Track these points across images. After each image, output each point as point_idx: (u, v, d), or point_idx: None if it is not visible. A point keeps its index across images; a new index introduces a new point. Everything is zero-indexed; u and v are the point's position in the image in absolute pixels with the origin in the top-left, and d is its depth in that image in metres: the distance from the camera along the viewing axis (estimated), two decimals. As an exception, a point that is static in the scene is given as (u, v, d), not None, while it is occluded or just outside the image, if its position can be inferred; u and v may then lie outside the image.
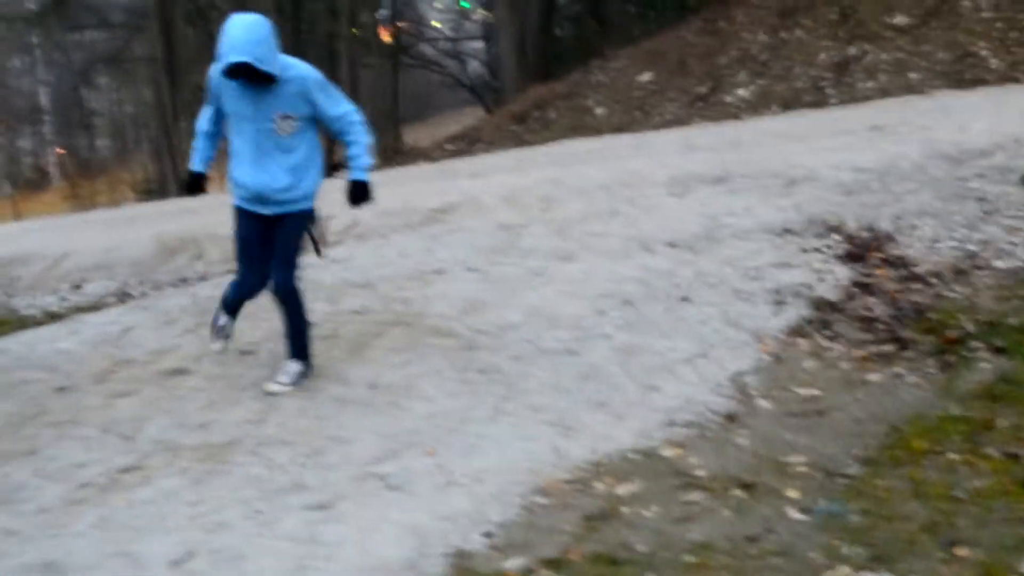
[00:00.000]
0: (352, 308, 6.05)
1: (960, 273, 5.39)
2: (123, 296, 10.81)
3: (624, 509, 3.72)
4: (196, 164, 4.82)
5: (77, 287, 11.62)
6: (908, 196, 6.24)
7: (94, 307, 10.35)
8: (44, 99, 33.81)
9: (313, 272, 7.08)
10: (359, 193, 4.76)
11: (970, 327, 4.79)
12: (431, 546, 3.57)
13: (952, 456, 3.69)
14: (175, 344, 5.86)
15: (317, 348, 5.37)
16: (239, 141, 4.61)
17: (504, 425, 4.40)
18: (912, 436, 3.89)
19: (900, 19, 12.86)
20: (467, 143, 16.99)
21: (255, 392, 5.01)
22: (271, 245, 4.73)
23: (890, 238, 5.95)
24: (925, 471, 3.63)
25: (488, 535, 3.64)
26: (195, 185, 4.88)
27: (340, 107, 4.62)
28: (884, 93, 12.08)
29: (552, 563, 3.44)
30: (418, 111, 32.60)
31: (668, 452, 4.12)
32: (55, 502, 4.11)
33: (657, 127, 14.08)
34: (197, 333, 6.02)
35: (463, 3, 30.33)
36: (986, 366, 4.39)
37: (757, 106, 13.22)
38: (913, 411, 4.16)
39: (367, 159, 4.72)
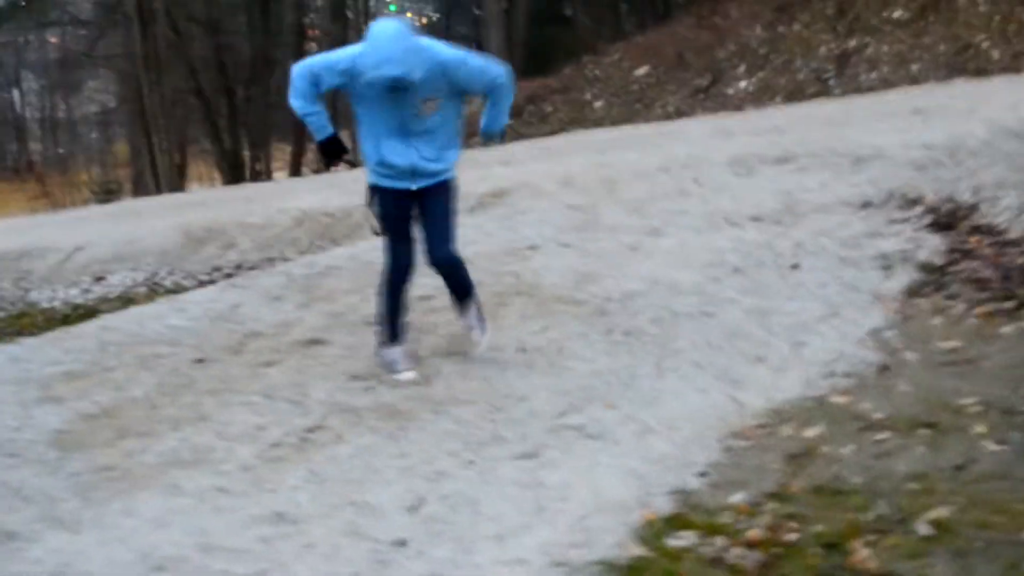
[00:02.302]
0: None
1: (1055, 238, 5.72)
2: (154, 286, 10.88)
3: (823, 448, 3.96)
4: (327, 128, 4.77)
5: (100, 279, 11.66)
6: (983, 170, 6.55)
7: (123, 298, 10.44)
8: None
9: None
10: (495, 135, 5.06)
11: (1085, 284, 5.11)
12: (653, 486, 3.77)
13: None
14: (296, 317, 6.01)
15: (446, 318, 5.56)
16: (380, 124, 4.65)
17: (672, 380, 4.62)
18: (1078, 376, 4.18)
19: (898, 13, 13.31)
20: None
21: (400, 359, 5.17)
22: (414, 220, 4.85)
23: (974, 208, 6.25)
24: (1107, 404, 3.91)
25: (702, 475, 3.85)
26: (336, 146, 4.84)
27: (484, 79, 4.72)
28: (887, 84, 12.50)
29: (776, 496, 3.65)
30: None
31: (837, 399, 4.37)
32: (254, 461, 4.25)
33: (659, 119, 14.41)
34: (311, 308, 6.18)
35: (391, 7, 30.55)
36: (1118, 317, 4.71)
37: (760, 98, 13.59)
38: (1064, 356, 4.45)
39: (504, 117, 4.95)
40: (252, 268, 9.66)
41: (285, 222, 10.72)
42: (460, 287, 5.00)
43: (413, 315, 5.81)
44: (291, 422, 4.58)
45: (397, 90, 4.44)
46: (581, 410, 4.40)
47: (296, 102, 4.71)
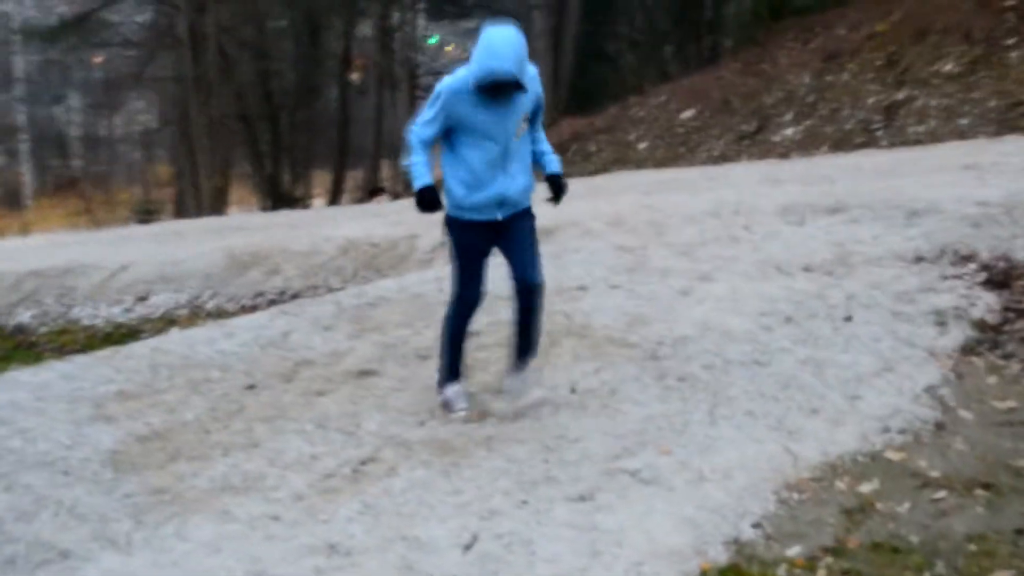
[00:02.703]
0: (508, 319, 6.22)
1: (1110, 301, 5.68)
2: (196, 309, 10.95)
3: (879, 504, 3.93)
4: (427, 178, 4.71)
5: (142, 299, 11.73)
6: (1039, 229, 6.53)
7: (165, 319, 10.52)
8: (21, 117, 33.68)
9: (437, 285, 7.29)
10: (560, 186, 4.93)
11: None
12: (708, 535, 3.76)
13: None
14: (347, 347, 6.04)
15: (498, 355, 5.58)
16: (478, 151, 4.65)
17: (727, 428, 4.60)
18: None
19: (948, 66, 13.28)
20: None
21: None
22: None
23: (1029, 267, 6.22)
24: None
25: (757, 525, 3.83)
26: (434, 198, 4.74)
27: (540, 121, 4.89)
28: (935, 138, 12.44)
29: (832, 551, 3.64)
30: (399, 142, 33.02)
31: (893, 455, 4.34)
32: (306, 490, 4.28)
33: (703, 163, 14.41)
34: (362, 338, 6.21)
35: (432, 39, 30.78)
36: None
37: (806, 146, 13.57)
38: (1124, 422, 4.41)
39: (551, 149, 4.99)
40: (296, 295, 9.72)
41: (330, 250, 10.76)
42: (536, 319, 4.93)
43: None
44: (344, 453, 4.60)
45: (503, 94, 4.48)
46: (635, 454, 4.40)
47: (410, 158, 4.76)
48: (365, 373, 5.59)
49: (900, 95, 13.31)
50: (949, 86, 12.99)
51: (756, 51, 16.37)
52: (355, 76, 28.63)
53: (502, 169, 4.69)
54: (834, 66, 14.58)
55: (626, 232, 8.23)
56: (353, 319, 6.65)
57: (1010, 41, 12.95)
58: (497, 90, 4.49)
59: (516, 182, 4.74)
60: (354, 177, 28.00)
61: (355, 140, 27.09)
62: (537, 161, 4.93)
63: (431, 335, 6.11)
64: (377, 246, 10.42)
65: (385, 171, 25.43)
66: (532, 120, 4.83)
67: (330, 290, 9.35)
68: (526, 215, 4.87)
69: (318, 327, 6.53)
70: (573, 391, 5.12)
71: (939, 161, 9.46)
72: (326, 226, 12.35)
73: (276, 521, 4.05)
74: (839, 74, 14.44)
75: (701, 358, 5.38)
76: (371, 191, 20.48)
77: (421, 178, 4.74)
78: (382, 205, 16.31)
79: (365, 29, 26.94)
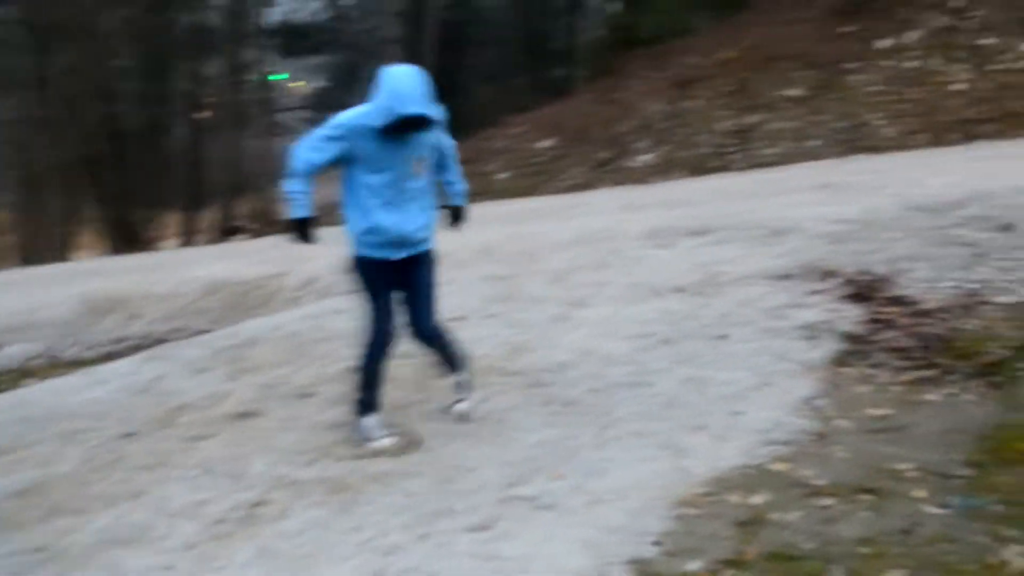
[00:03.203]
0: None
1: (966, 308, 5.97)
2: (52, 358, 10.53)
3: (771, 515, 4.03)
4: (305, 210, 4.69)
5: (-5, 350, 11.23)
6: (896, 244, 6.83)
7: (21, 371, 10.09)
8: None
9: (312, 322, 7.21)
10: (459, 214, 5.21)
11: (1001, 352, 5.33)
12: (609, 556, 3.79)
13: (1059, 455, 4.17)
14: (225, 390, 5.91)
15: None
16: (374, 187, 4.62)
17: (616, 449, 4.66)
18: (1009, 440, 4.35)
19: (794, 91, 13.84)
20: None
21: (336, 431, 5.13)
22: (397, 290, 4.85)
23: (888, 280, 6.50)
24: (1041, 468, 4.09)
25: (657, 543, 3.88)
26: (308, 231, 4.74)
27: (449, 140, 4.91)
28: (786, 159, 12.97)
29: (731, 563, 3.71)
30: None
31: (778, 467, 4.46)
32: (197, 538, 4.16)
33: (563, 191, 14.65)
34: (240, 380, 6.09)
35: (275, 76, 30.61)
36: (1038, 383, 4.93)
37: (663, 170, 13.95)
38: (990, 421, 4.63)
39: (464, 186, 5.15)
40: (160, 340, 9.45)
41: (193, 292, 10.53)
42: (449, 348, 5.07)
43: (344, 386, 5.80)
44: (233, 497, 4.49)
45: (408, 134, 4.49)
46: (529, 481, 4.41)
47: (289, 182, 4.68)
48: (246, 415, 5.47)
49: (751, 119, 13.80)
50: (797, 109, 13.54)
51: (610, 80, 16.74)
52: (204, 115, 28.17)
53: (397, 207, 4.68)
54: (687, 93, 15.03)
55: (496, 261, 8.29)
56: (228, 360, 6.51)
57: (851, 65, 13.58)
58: (400, 130, 4.48)
59: (413, 221, 4.74)
60: (207, 217, 27.43)
61: (207, 179, 26.57)
62: (444, 192, 5.05)
63: (311, 373, 6.06)
64: (243, 285, 10.24)
65: (243, 209, 25.01)
66: (442, 158, 4.89)
67: (196, 333, 9.14)
68: (426, 257, 4.89)
69: (192, 370, 6.37)
70: (464, 421, 5.11)
71: (795, 182, 9.84)
72: (185, 268, 12.08)
73: (169, 571, 3.92)
74: (692, 101, 14.89)
75: (584, 382, 5.45)
76: (228, 230, 20.10)
77: (299, 209, 4.71)
78: (242, 244, 16.03)
79: (213, 68, 26.57)
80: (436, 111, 4.56)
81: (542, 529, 4.00)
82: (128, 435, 5.35)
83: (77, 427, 5.53)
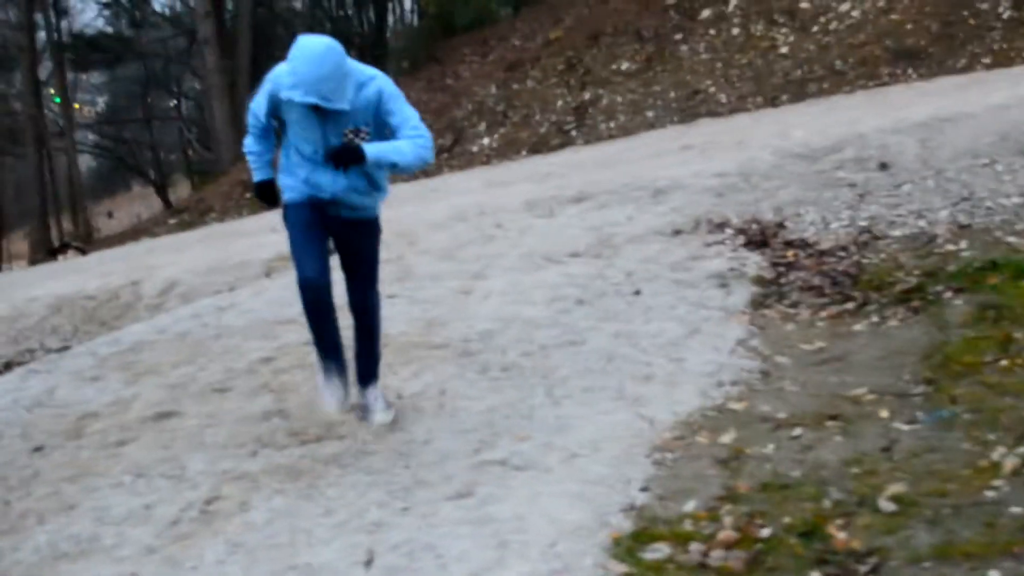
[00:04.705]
0: (298, 341, 5.92)
1: (864, 245, 6.17)
2: None
3: (747, 450, 4.04)
4: (264, 172, 4.52)
5: None
6: (779, 191, 7.00)
7: None
8: None
9: (199, 321, 6.87)
10: (349, 155, 4.19)
11: (911, 280, 5.52)
12: (603, 506, 3.72)
13: (1003, 363, 4.31)
14: (130, 394, 5.53)
15: (303, 377, 5.31)
16: (305, 155, 4.34)
17: (572, 406, 4.59)
18: (954, 356, 4.49)
19: (625, 65, 14.06)
20: (196, 214, 16.55)
21: (268, 421, 4.87)
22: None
23: (780, 226, 6.65)
24: (992, 376, 4.22)
25: (645, 489, 3.83)
26: (271, 193, 4.56)
27: (408, 124, 4.29)
28: (626, 131, 13.16)
29: (727, 499, 3.69)
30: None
31: (736, 405, 4.49)
32: (156, 542, 3.87)
33: (408, 180, 14.45)
34: (141, 383, 5.72)
35: (55, 99, 29.32)
36: (958, 303, 5.10)
37: (505, 152, 13.95)
38: (926, 342, 4.77)
39: (392, 156, 4.23)
40: (9, 363, 8.84)
41: (38, 310, 9.86)
42: (369, 340, 4.67)
43: (260, 378, 5.52)
44: (180, 497, 4.19)
45: (321, 113, 4.15)
46: (494, 446, 4.29)
47: (245, 140, 4.54)
48: (163, 415, 5.12)
49: (586, 95, 13.95)
50: (630, 83, 13.76)
51: (437, 68, 16.64)
52: None
53: (321, 166, 4.32)
54: (517, 75, 15.08)
55: (377, 245, 8.07)
56: (119, 366, 6.10)
57: (678, 36, 13.90)
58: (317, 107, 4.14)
59: (353, 182, 4.37)
60: (18, 241, 25.94)
61: (16, 202, 25.12)
62: None
63: (219, 369, 5.75)
64: (94, 298, 9.67)
65: (65, 226, 23.72)
66: (384, 122, 4.30)
67: (48, 352, 8.60)
68: (365, 225, 4.53)
69: (83, 379, 5.94)
70: (399, 397, 4.93)
71: (653, 148, 9.98)
72: (19, 288, 11.35)
73: (135, 579, 3.62)
74: (524, 82, 14.94)
75: (515, 347, 5.35)
76: (56, 248, 19.03)
77: (257, 172, 4.59)
78: (74, 261, 15.22)
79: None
80: (337, 95, 4.09)
81: (525, 489, 3.88)
82: (37, 449, 4.93)
83: (-27, 448, 5.07)
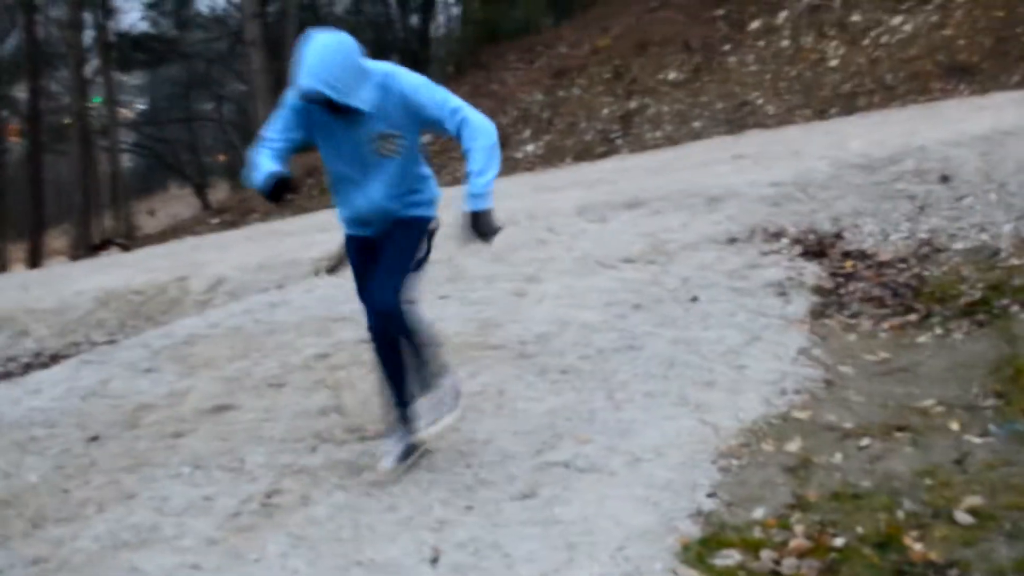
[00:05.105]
0: (353, 338, 5.90)
1: (924, 257, 6.09)
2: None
3: (815, 459, 3.98)
4: (269, 167, 3.91)
5: None
6: (836, 201, 6.92)
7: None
8: None
9: (250, 316, 6.87)
10: (479, 226, 4.00)
11: (975, 292, 5.44)
12: (670, 511, 3.66)
13: (1079, 378, 4.24)
14: (185, 386, 5.54)
15: (360, 374, 5.28)
16: (332, 165, 4.08)
17: (634, 410, 4.54)
18: (1022, 369, 4.41)
19: (672, 75, 14.00)
20: (239, 214, 16.64)
21: (325, 417, 4.86)
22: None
23: (838, 236, 6.58)
24: (1067, 391, 4.15)
25: (712, 495, 3.77)
26: (283, 185, 3.90)
27: (446, 108, 3.91)
28: (671, 141, 13.09)
29: (797, 507, 3.63)
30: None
31: (800, 414, 4.42)
32: (217, 534, 3.85)
33: (450, 184, 14.45)
34: (197, 376, 5.73)
35: (95, 99, 29.51)
36: (1026, 316, 5.03)
37: (549, 159, 13.90)
38: (992, 355, 4.69)
39: (487, 174, 3.93)
40: (56, 356, 8.89)
41: (85, 304, 9.91)
42: (416, 356, 4.21)
43: (316, 374, 5.51)
44: (240, 490, 4.18)
45: (341, 112, 3.84)
46: (555, 447, 4.24)
47: (253, 151, 4.03)
48: (220, 408, 5.12)
49: (632, 104, 13.89)
50: (677, 92, 13.69)
51: (482, 74, 16.64)
52: (14, 140, 27.03)
53: (355, 185, 4.05)
54: (564, 82, 15.05)
55: (426, 246, 8.05)
56: (174, 359, 6.11)
57: (726, 47, 13.82)
58: (331, 107, 3.84)
59: (371, 200, 4.04)
60: (60, 237, 26.19)
61: (54, 200, 25.35)
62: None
63: (273, 364, 5.75)
64: (141, 293, 9.71)
65: (106, 223, 23.92)
66: (419, 119, 3.94)
67: (94, 345, 8.64)
68: (402, 224, 4.11)
69: (137, 371, 5.95)
70: (459, 397, 4.88)
71: (704, 156, 9.90)
72: (66, 283, 11.41)
73: (197, 570, 3.61)
74: (570, 89, 14.91)
75: (573, 351, 5.30)
76: (98, 245, 19.17)
77: (258, 170, 3.94)
78: (118, 257, 15.32)
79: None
80: (346, 88, 3.77)
81: (591, 491, 3.84)
82: (93, 439, 4.94)
83: (31, 435, 5.08)
